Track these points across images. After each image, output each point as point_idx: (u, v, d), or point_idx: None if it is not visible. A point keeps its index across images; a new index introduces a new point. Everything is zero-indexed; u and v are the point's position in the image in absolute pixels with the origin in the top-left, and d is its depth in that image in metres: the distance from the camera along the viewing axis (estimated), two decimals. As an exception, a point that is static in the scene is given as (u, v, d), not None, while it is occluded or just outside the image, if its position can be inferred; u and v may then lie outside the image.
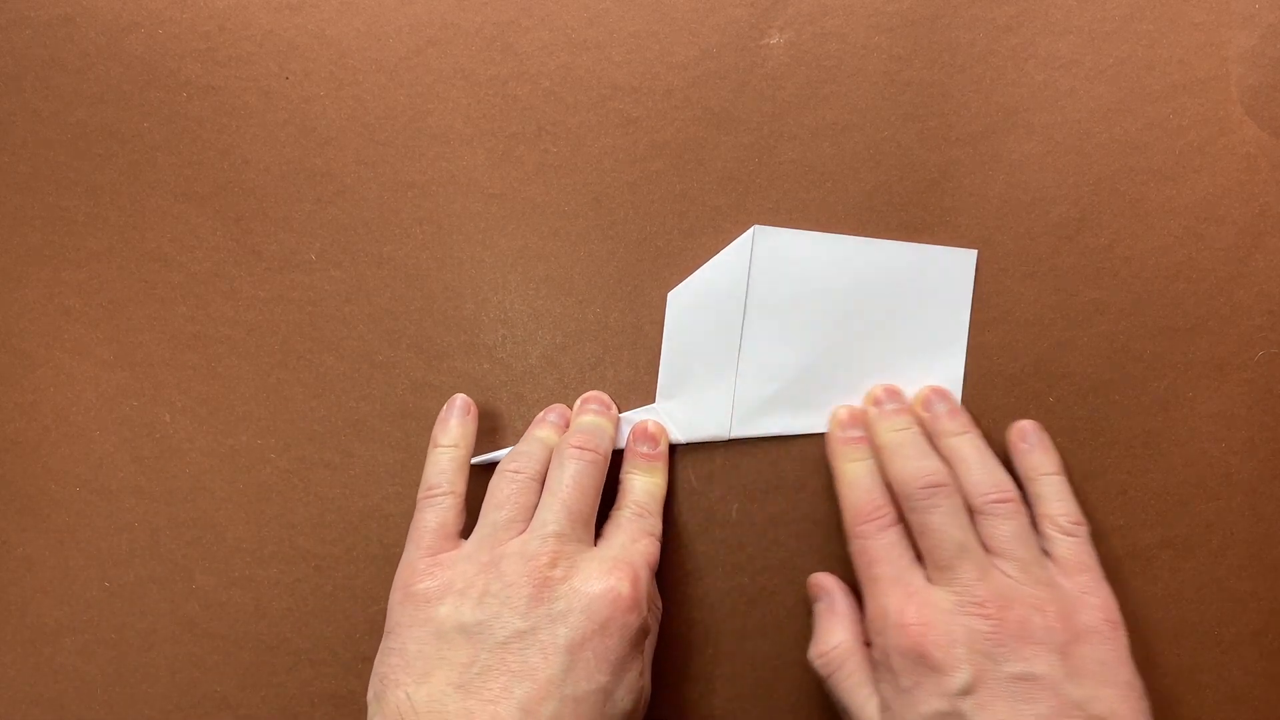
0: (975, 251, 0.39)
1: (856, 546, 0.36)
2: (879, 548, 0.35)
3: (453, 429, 0.38)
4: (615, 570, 0.33)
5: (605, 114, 0.40)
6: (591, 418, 0.38)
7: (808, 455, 0.40)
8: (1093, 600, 0.34)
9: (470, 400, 0.39)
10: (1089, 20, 0.39)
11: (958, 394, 0.39)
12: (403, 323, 0.40)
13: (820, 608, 0.38)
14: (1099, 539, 0.39)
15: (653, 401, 0.40)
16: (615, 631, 0.32)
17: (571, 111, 0.40)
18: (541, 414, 0.39)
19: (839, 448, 0.38)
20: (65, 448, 0.41)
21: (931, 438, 0.38)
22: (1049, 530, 0.36)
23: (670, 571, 0.40)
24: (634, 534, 0.36)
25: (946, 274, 0.39)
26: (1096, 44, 0.39)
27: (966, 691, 0.32)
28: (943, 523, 0.34)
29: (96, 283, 0.41)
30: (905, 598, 0.34)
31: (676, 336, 0.40)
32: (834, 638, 0.36)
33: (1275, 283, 0.39)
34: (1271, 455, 0.39)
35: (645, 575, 0.34)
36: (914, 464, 0.36)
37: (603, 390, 0.40)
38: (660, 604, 0.39)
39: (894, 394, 0.39)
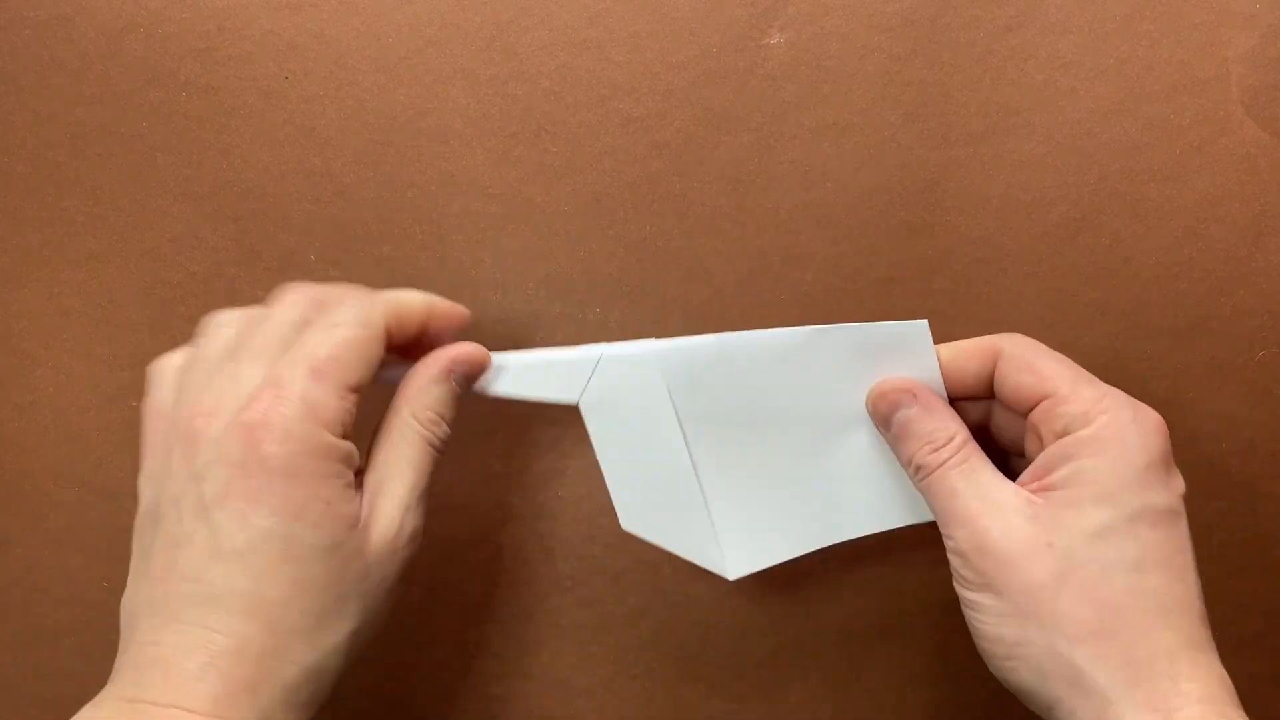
0: (925, 322, 0.35)
1: (1029, 342, 0.33)
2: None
3: None
4: (251, 402, 0.28)
5: (605, 114, 0.40)
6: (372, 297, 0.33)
7: (808, 455, 0.39)
8: None
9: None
10: (1089, 20, 0.39)
11: None
12: (403, 323, 0.40)
13: (913, 415, 0.33)
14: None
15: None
16: (256, 468, 0.27)
17: (571, 111, 0.40)
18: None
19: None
20: (65, 448, 0.41)
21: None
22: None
23: (670, 571, 0.40)
24: (311, 332, 0.30)
25: (902, 351, 0.35)
26: (1096, 44, 0.39)
27: (1183, 498, 0.30)
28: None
29: (96, 283, 0.41)
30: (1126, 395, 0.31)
31: (610, 453, 0.36)
32: (951, 427, 0.32)
33: (1275, 283, 0.39)
34: (1271, 455, 0.39)
35: (298, 389, 0.28)
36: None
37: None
38: (419, 404, 0.32)
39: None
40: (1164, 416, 0.39)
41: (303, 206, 0.41)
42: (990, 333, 0.39)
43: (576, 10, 0.40)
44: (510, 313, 0.40)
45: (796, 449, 0.36)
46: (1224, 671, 0.29)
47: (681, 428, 0.36)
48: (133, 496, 0.41)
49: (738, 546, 0.37)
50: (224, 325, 0.31)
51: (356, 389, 0.30)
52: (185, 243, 0.41)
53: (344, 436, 0.29)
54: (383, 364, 0.32)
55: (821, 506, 0.37)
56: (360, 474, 0.31)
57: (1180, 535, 0.29)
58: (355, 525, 0.29)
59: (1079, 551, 0.29)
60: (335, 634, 0.29)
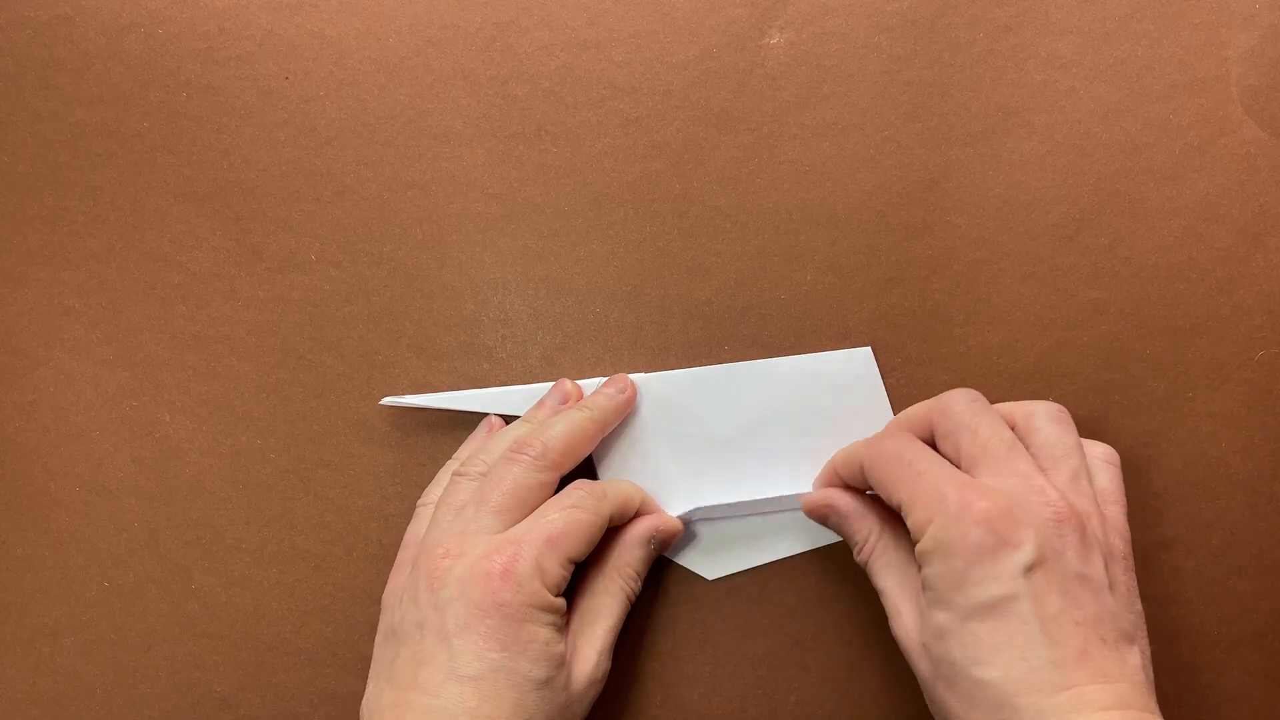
0: (869, 348, 0.39)
1: (890, 447, 0.34)
2: (915, 451, 0.33)
3: (473, 447, 0.39)
4: (495, 551, 0.33)
5: (605, 114, 0.40)
6: (553, 419, 0.37)
7: (808, 455, 0.40)
8: (1122, 529, 0.33)
9: (503, 423, 0.39)
10: (1089, 20, 0.39)
11: None
12: (403, 323, 0.40)
13: (836, 519, 0.37)
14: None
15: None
16: (494, 610, 0.32)
17: (571, 111, 0.40)
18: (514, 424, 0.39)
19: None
20: (65, 448, 0.41)
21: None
22: (1090, 461, 0.34)
23: (670, 572, 0.40)
24: (551, 509, 0.35)
25: (851, 375, 0.39)
26: (1096, 44, 0.39)
27: (1030, 569, 0.30)
28: (994, 424, 0.33)
29: (96, 283, 0.41)
30: (962, 483, 0.32)
31: (607, 466, 0.40)
32: (866, 527, 0.36)
33: (1275, 283, 0.39)
34: (1271, 455, 0.39)
35: (534, 552, 0.33)
36: (955, 392, 0.35)
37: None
38: (623, 561, 0.37)
39: None
40: (1164, 417, 0.39)
41: (303, 206, 0.41)
42: (989, 330, 0.39)
43: (576, 10, 0.40)
44: (510, 313, 0.40)
45: (762, 468, 0.39)
46: (1126, 687, 0.30)
47: (666, 446, 0.39)
48: (133, 496, 0.41)
49: (715, 551, 0.40)
50: (465, 480, 0.36)
51: (575, 562, 0.35)
52: (185, 243, 0.41)
53: (559, 593, 0.34)
54: None
55: (788, 518, 0.39)
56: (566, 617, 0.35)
57: (1020, 613, 0.30)
58: (563, 664, 0.34)
59: (936, 651, 0.32)
60: None
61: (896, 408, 0.39)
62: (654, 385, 0.39)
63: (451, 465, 0.39)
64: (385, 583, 0.37)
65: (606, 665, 0.36)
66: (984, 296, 0.39)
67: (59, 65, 0.41)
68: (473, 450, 0.39)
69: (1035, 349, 0.39)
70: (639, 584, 0.38)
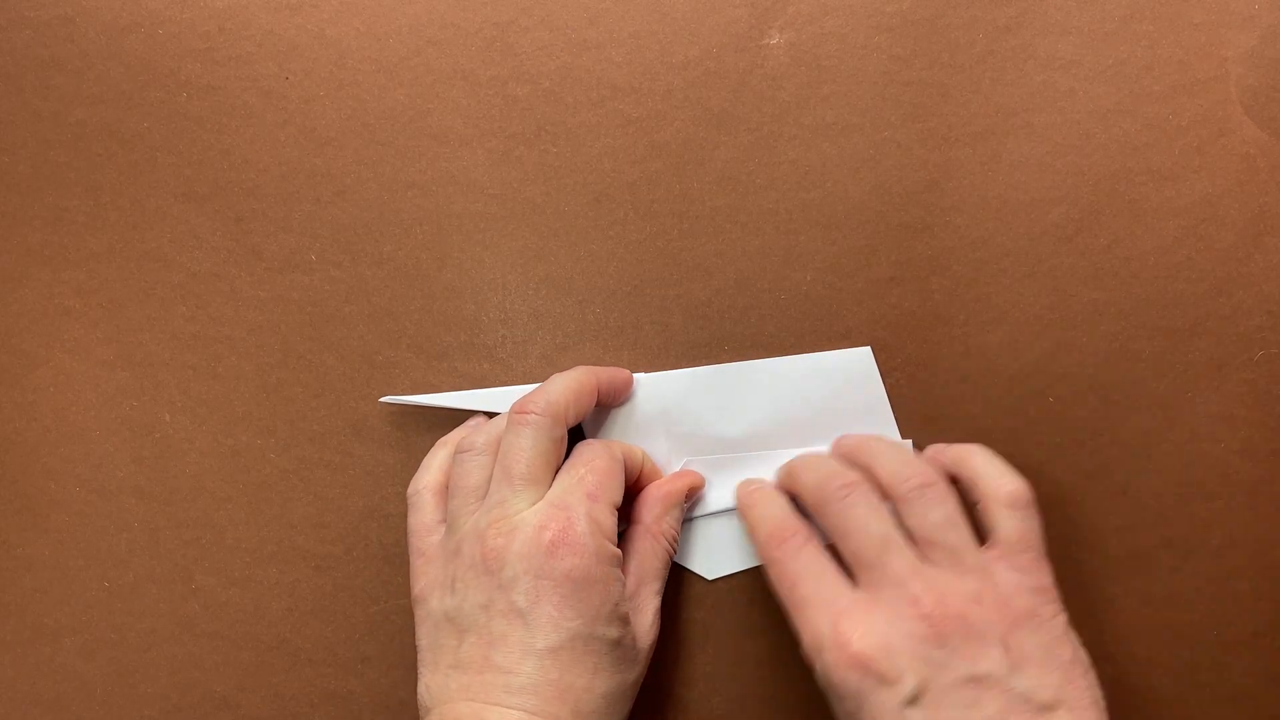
0: (868, 348, 0.39)
1: (774, 572, 0.34)
2: (798, 569, 0.34)
3: (460, 436, 0.39)
4: (547, 521, 0.33)
5: (605, 114, 0.40)
6: (550, 382, 0.37)
7: (808, 455, 0.40)
8: (1029, 581, 0.32)
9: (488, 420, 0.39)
10: (1089, 20, 0.39)
11: None
12: (403, 323, 0.40)
13: None
14: (1099, 539, 0.39)
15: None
16: (561, 577, 0.32)
17: (571, 112, 0.40)
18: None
19: (741, 491, 0.38)
20: (65, 448, 0.41)
21: (836, 455, 0.38)
22: (995, 507, 0.34)
23: (671, 571, 0.40)
24: (577, 466, 0.35)
25: (850, 375, 0.39)
26: (1096, 44, 0.39)
27: (913, 700, 0.30)
28: (863, 517, 0.33)
29: (96, 283, 0.41)
30: (837, 615, 0.32)
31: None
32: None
33: (1275, 283, 0.39)
34: (1271, 455, 0.39)
35: (583, 510, 0.33)
36: (824, 468, 0.35)
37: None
38: (665, 524, 0.37)
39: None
40: (1164, 417, 0.39)
41: (303, 206, 0.41)
42: (989, 330, 0.39)
43: (576, 11, 0.40)
44: (510, 313, 0.40)
45: (761, 466, 0.39)
46: None
47: (666, 444, 0.39)
48: (133, 496, 0.41)
49: (715, 551, 0.40)
50: (472, 455, 0.36)
51: (618, 507, 0.35)
52: (185, 243, 0.41)
53: (616, 541, 0.34)
54: None
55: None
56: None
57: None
58: (628, 622, 0.34)
59: None
60: (618, 715, 0.34)
61: (896, 408, 0.39)
62: (654, 385, 0.39)
63: (438, 450, 0.39)
64: (385, 582, 0.37)
65: (658, 627, 0.36)
66: (984, 296, 0.39)
67: (59, 65, 0.41)
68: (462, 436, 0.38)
69: (1035, 349, 0.39)
70: (677, 539, 0.38)
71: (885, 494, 0.34)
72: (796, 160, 0.40)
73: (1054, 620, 0.32)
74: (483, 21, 0.40)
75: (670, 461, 0.39)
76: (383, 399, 0.40)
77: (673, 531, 0.38)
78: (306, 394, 0.41)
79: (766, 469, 0.39)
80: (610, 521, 0.34)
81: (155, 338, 0.41)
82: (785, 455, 0.39)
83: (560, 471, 0.35)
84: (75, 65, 0.41)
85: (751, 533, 0.36)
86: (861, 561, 0.33)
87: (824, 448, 0.39)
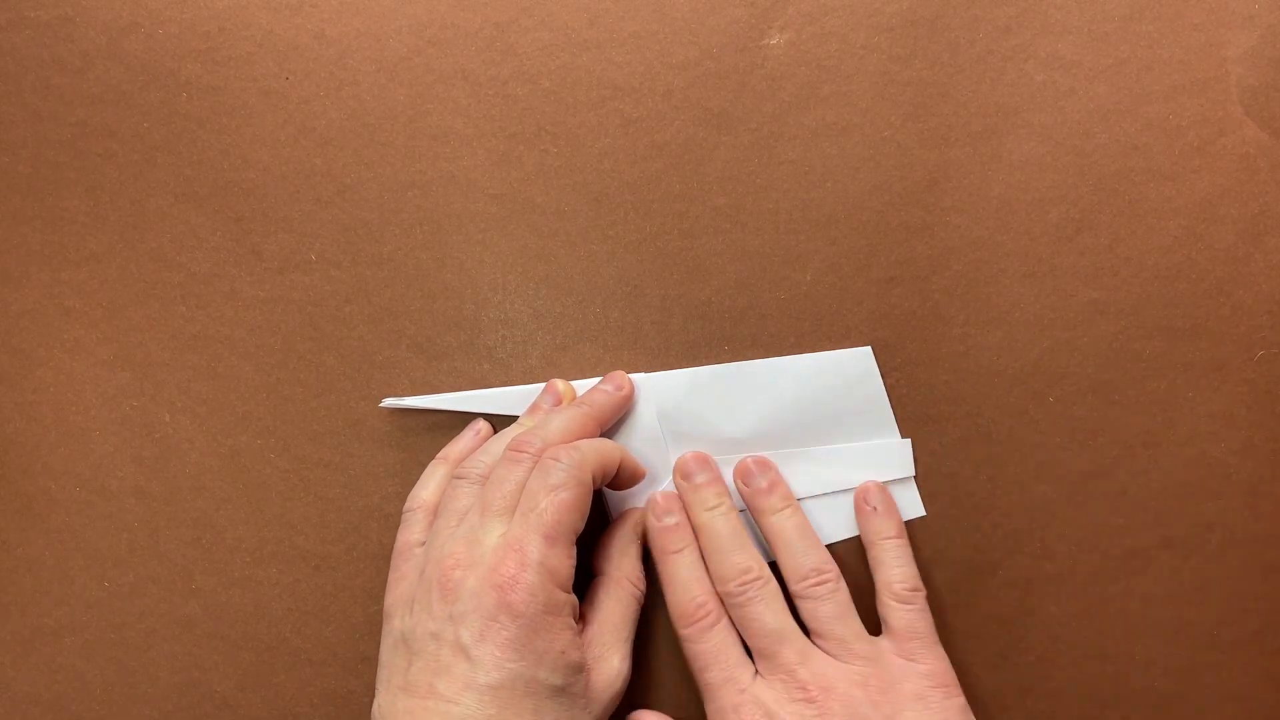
0: (869, 348, 0.39)
1: (687, 651, 0.37)
2: (707, 651, 0.36)
3: (461, 448, 0.39)
4: (500, 563, 0.33)
5: (605, 114, 0.40)
6: (550, 416, 0.38)
7: (808, 455, 0.40)
8: (920, 667, 0.35)
9: (490, 427, 0.40)
10: (1089, 20, 0.39)
11: (910, 478, 0.39)
12: (403, 323, 0.40)
13: None
14: (1099, 539, 0.39)
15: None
16: (508, 618, 0.32)
17: (571, 111, 0.40)
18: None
19: (657, 539, 0.38)
20: (65, 448, 0.41)
21: (751, 514, 0.38)
22: (885, 597, 0.37)
23: (670, 571, 0.40)
24: (538, 495, 0.34)
25: (850, 375, 0.39)
26: (1096, 44, 0.39)
27: None
28: (759, 613, 0.36)
29: (96, 283, 0.41)
30: (737, 696, 0.35)
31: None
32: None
33: (1275, 283, 0.39)
34: (1271, 455, 0.39)
35: (537, 556, 0.33)
36: (728, 559, 0.37)
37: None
38: (624, 569, 0.38)
39: (703, 463, 0.39)
40: (1164, 417, 0.39)
41: (303, 206, 0.41)
42: (989, 330, 0.39)
43: (577, 11, 0.40)
44: (510, 313, 0.40)
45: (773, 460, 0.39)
46: None
47: (667, 444, 0.39)
48: (133, 496, 0.41)
49: None
50: (464, 483, 0.37)
51: (577, 536, 0.35)
52: (185, 243, 0.41)
53: (569, 588, 0.34)
54: None
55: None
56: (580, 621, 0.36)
57: None
58: (580, 671, 0.34)
59: None
60: None
61: (896, 408, 0.39)
62: (654, 385, 0.39)
63: (438, 466, 0.39)
64: (385, 583, 0.37)
65: (627, 672, 0.36)
66: (984, 296, 0.39)
67: (59, 65, 0.41)
68: (463, 448, 0.39)
69: (1035, 349, 0.39)
70: (643, 580, 0.38)
71: (784, 579, 0.37)
72: (796, 160, 0.40)
73: (946, 702, 0.35)
74: (483, 21, 0.40)
75: (670, 462, 0.39)
76: (383, 403, 0.40)
77: (634, 574, 0.38)
78: (306, 394, 0.41)
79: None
80: (565, 566, 0.34)
81: (155, 338, 0.41)
82: (785, 455, 0.39)
83: (525, 493, 0.35)
84: (75, 65, 0.41)
85: (666, 596, 0.38)
86: (759, 651, 0.36)
87: (827, 446, 0.39)
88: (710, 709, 0.36)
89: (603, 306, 0.40)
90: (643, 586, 0.38)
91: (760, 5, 0.39)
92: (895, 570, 0.37)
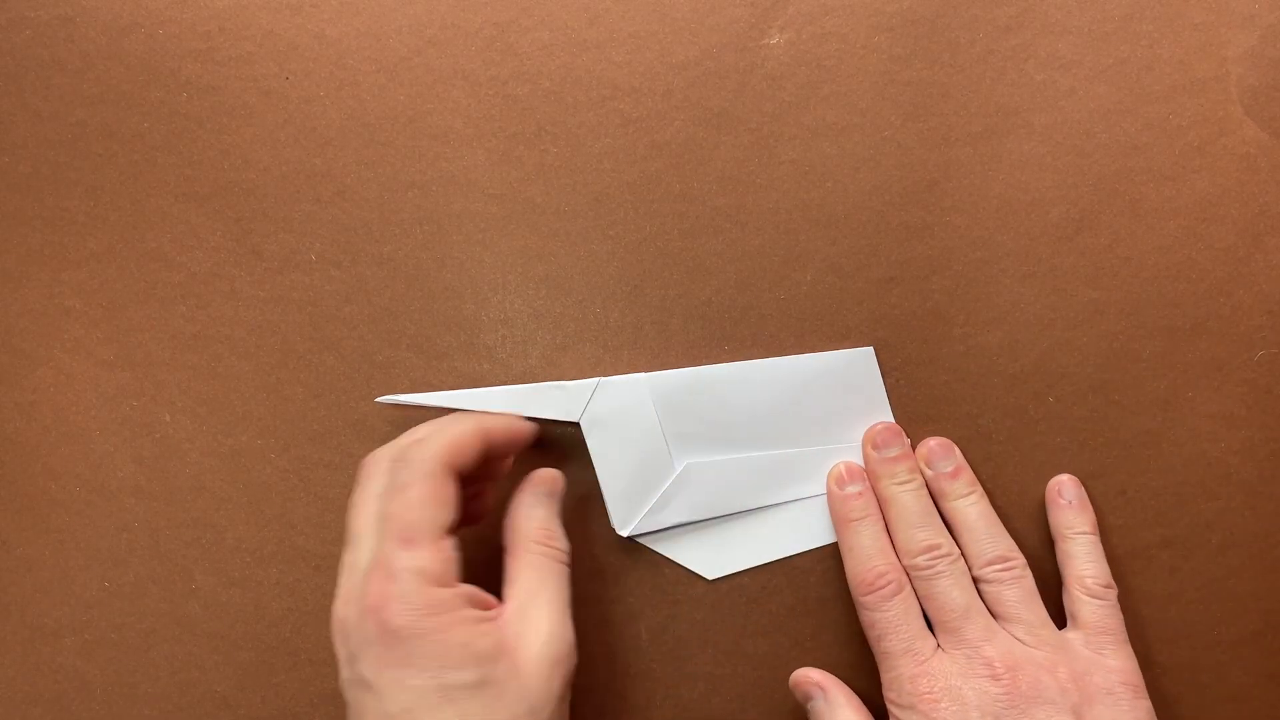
0: (870, 348, 0.39)
1: (865, 618, 0.37)
2: (886, 619, 0.36)
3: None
4: (368, 582, 0.32)
5: (605, 114, 0.40)
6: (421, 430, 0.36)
7: (808, 455, 0.40)
8: (1111, 663, 0.35)
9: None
10: (1089, 20, 0.39)
11: None
12: (403, 323, 0.40)
13: (817, 706, 0.37)
14: (1099, 539, 0.39)
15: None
16: (391, 638, 0.31)
17: (571, 111, 0.40)
18: None
19: (839, 507, 0.38)
20: (65, 448, 0.41)
21: (934, 497, 0.38)
22: (1076, 591, 0.36)
23: (670, 572, 0.40)
24: (388, 499, 0.33)
25: (851, 375, 0.39)
26: (1096, 44, 0.39)
27: None
28: (946, 587, 0.36)
29: (96, 283, 0.41)
30: (916, 667, 0.35)
31: (606, 465, 0.39)
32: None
33: (1275, 283, 0.39)
34: (1271, 455, 0.39)
35: (400, 563, 0.31)
36: (916, 533, 0.37)
37: (603, 390, 0.40)
38: (532, 532, 0.35)
39: (897, 435, 0.39)
40: (1164, 416, 0.39)
41: (303, 206, 0.41)
42: (989, 330, 0.39)
43: (577, 11, 0.40)
44: (510, 313, 0.40)
45: (763, 465, 0.39)
46: None
47: (667, 444, 0.39)
48: (133, 496, 0.41)
49: (715, 551, 0.40)
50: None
51: (450, 530, 0.33)
52: (185, 243, 0.41)
53: (458, 578, 0.32)
54: None
55: (788, 518, 0.40)
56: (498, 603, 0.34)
57: None
58: (499, 657, 0.32)
59: None
60: None
61: (896, 408, 0.39)
62: (654, 385, 0.39)
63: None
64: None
65: (565, 640, 0.33)
66: (984, 296, 0.39)
67: (59, 65, 0.41)
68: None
69: (1035, 349, 0.39)
70: (560, 540, 0.36)
71: (967, 562, 0.37)
72: (796, 160, 0.40)
73: (1136, 702, 0.34)
74: (483, 21, 0.40)
75: (670, 462, 0.39)
76: (379, 399, 0.40)
77: (541, 535, 0.35)
78: (306, 394, 0.41)
79: (767, 469, 0.39)
80: (437, 561, 0.32)
81: (155, 338, 0.41)
82: (786, 455, 0.39)
83: (372, 499, 0.33)
84: (75, 65, 0.41)
85: (845, 563, 0.38)
86: (942, 625, 0.36)
87: (827, 447, 0.39)
88: (886, 678, 0.35)
89: (603, 306, 0.40)
90: (559, 544, 0.36)
91: (760, 5, 0.39)
92: (1088, 565, 0.36)
